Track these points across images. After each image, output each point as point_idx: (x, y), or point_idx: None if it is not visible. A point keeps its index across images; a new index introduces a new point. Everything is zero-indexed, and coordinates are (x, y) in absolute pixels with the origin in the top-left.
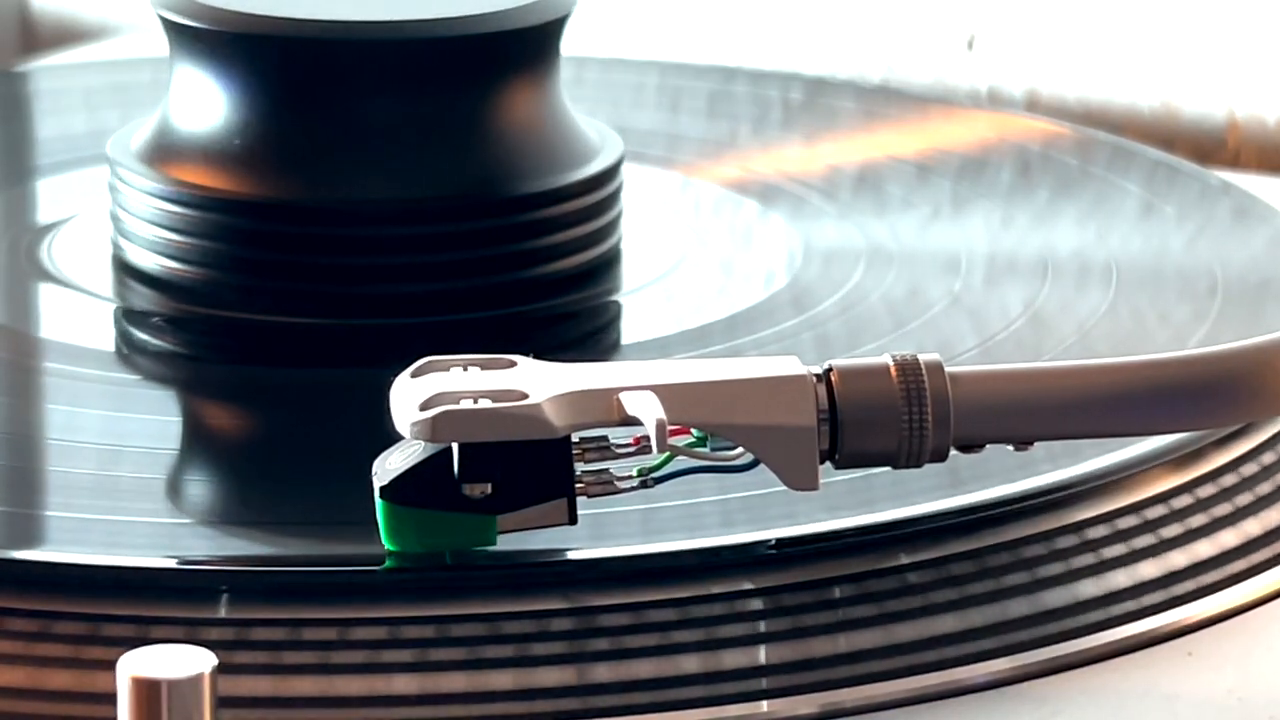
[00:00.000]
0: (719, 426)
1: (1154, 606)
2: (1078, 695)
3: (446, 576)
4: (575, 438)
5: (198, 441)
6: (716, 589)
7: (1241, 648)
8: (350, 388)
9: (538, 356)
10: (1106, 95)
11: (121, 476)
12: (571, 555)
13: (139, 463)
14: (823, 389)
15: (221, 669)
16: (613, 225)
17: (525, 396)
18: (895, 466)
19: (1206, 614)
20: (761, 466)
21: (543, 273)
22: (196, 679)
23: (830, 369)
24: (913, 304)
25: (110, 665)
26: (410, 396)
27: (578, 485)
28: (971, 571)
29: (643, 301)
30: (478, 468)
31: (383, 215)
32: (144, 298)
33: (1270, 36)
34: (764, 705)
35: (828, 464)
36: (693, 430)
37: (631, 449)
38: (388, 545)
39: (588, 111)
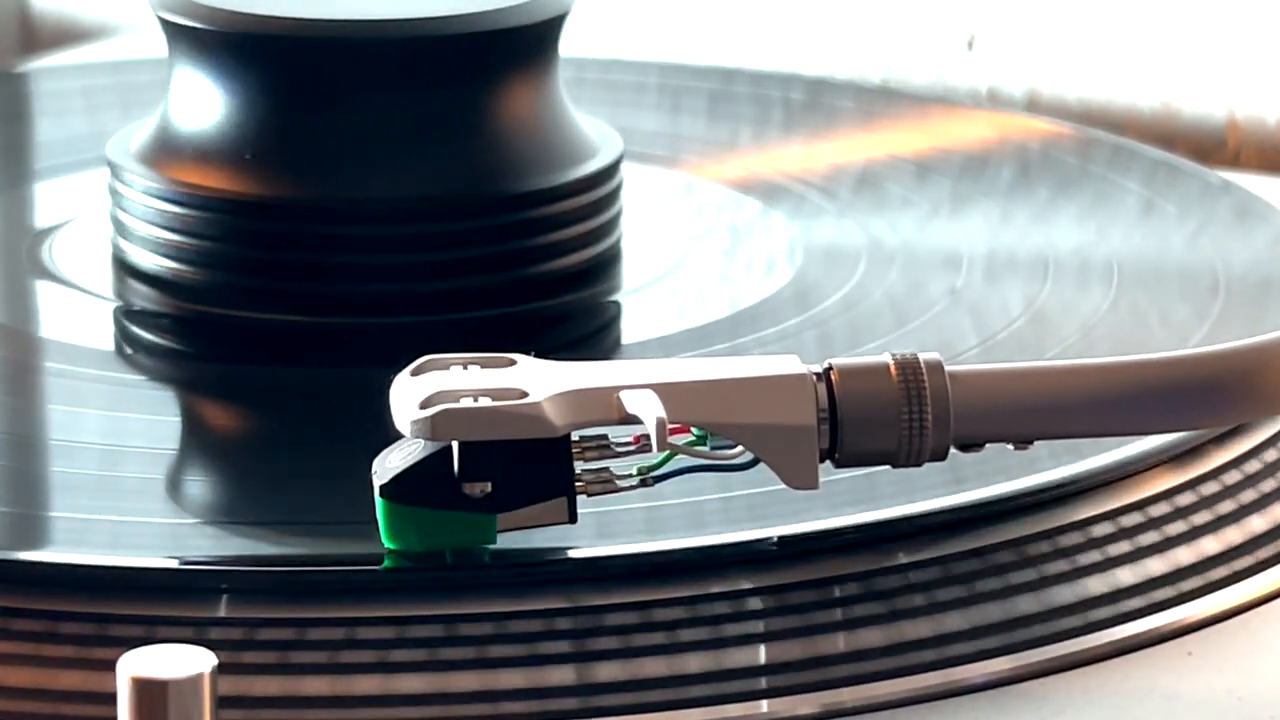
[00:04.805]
0: (719, 425)
1: (1154, 606)
2: (1078, 695)
3: (446, 575)
4: (575, 436)
5: (198, 441)
6: (717, 588)
7: (1241, 648)
8: (350, 388)
9: (538, 355)
10: (1106, 95)
11: (122, 476)
12: (571, 554)
13: (140, 463)
14: (823, 388)
15: (222, 668)
16: (613, 223)
17: (525, 395)
18: (895, 465)
19: (1206, 614)
20: (762, 465)
21: (543, 271)
22: (197, 679)
23: (830, 368)
24: (914, 303)
25: (111, 665)
26: (410, 395)
27: (577, 484)
28: (972, 570)
29: (643, 300)
30: (478, 466)
31: (382, 214)
32: (144, 298)
33: (1270, 36)
34: (764, 705)
35: (828, 463)
36: (693, 429)
37: (631, 448)
38: (388, 544)
39: (588, 111)
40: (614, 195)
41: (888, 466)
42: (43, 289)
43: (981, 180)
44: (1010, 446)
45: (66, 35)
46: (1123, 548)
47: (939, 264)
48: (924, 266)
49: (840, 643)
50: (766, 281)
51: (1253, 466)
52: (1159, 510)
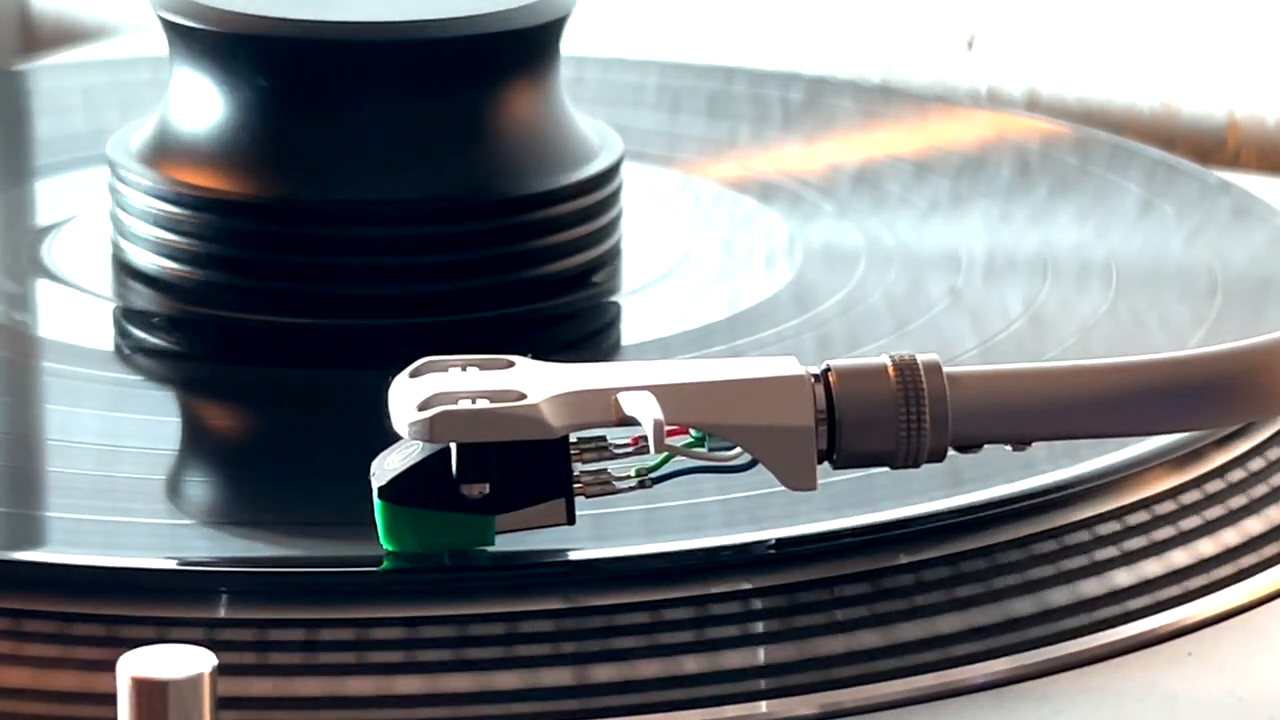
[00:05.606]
0: (717, 427)
1: (1154, 606)
2: (1078, 695)
3: (445, 577)
4: (573, 438)
5: (197, 441)
6: (716, 589)
7: (1241, 648)
8: (350, 388)
9: (536, 357)
10: (1106, 95)
11: (121, 477)
12: (570, 556)
13: (138, 463)
14: (820, 389)
15: (222, 669)
16: (613, 225)
17: (523, 397)
18: (893, 467)
19: (1206, 614)
20: (760, 466)
21: (543, 273)
22: (196, 679)
23: (828, 369)
24: (913, 304)
25: (110, 665)
26: (409, 396)
27: (576, 485)
28: (971, 571)
29: (643, 302)
30: (476, 468)
31: (382, 216)
32: (144, 298)
33: (1270, 36)
34: (763, 705)
35: (826, 464)
36: (691, 430)
37: (630, 449)
38: (386, 545)
39: (588, 111)
40: (614, 197)
41: (886, 468)
42: (42, 288)
43: (980, 180)
44: (1008, 447)
45: (66, 35)
46: (1122, 548)
47: (938, 264)
48: (923, 267)
49: (839, 644)
50: (765, 282)
51: (1252, 468)
52: (1159, 511)
